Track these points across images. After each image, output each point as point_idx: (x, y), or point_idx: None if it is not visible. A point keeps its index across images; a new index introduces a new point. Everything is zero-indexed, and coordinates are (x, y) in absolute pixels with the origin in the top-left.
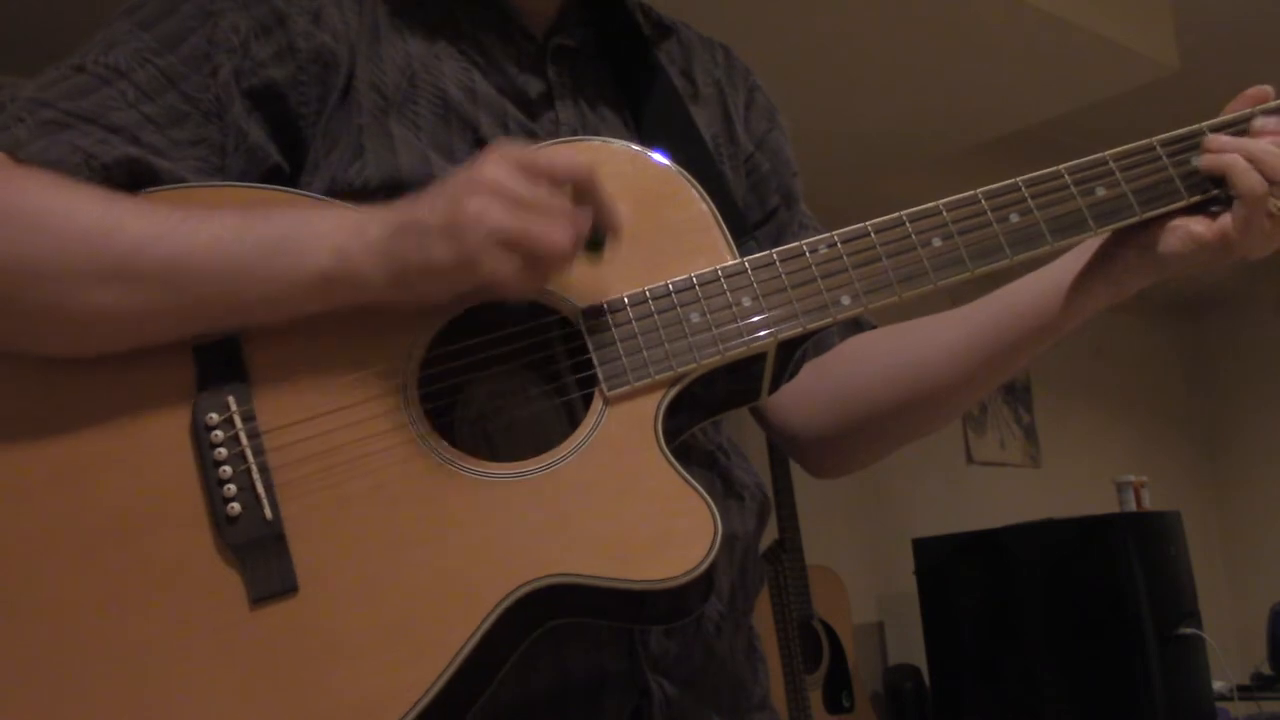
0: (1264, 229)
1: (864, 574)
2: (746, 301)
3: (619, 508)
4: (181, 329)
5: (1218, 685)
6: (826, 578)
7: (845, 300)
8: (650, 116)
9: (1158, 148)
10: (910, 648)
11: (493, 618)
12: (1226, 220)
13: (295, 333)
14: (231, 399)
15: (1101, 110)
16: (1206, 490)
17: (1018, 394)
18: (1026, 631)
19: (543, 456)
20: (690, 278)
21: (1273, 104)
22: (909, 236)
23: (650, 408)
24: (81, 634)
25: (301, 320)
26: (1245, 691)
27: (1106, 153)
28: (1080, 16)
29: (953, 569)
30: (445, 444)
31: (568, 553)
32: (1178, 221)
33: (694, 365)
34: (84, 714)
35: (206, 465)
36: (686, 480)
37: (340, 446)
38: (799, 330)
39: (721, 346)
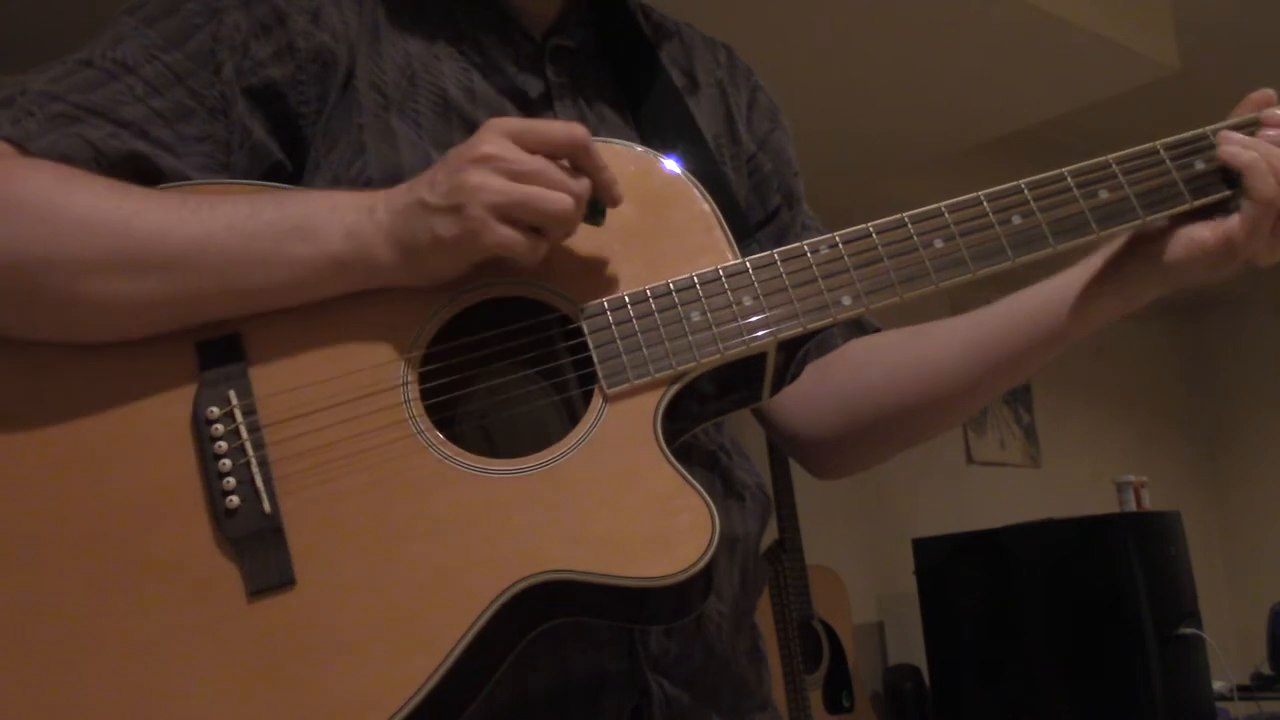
0: (1269, 234)
1: (864, 574)
2: (747, 301)
3: (617, 505)
4: (193, 316)
5: (1218, 685)
6: (826, 578)
7: (846, 300)
8: (651, 116)
9: (1161, 151)
10: (910, 648)
11: (489, 614)
12: (1232, 223)
13: (296, 326)
14: (232, 393)
15: (1101, 110)
16: (1206, 490)
17: (1018, 394)
18: (1026, 631)
19: (542, 453)
20: (691, 277)
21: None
22: (911, 238)
23: (650, 406)
24: (80, 624)
25: (304, 315)
26: (1245, 691)
27: (1109, 156)
28: (1080, 16)
29: (953, 569)
30: (445, 440)
31: (565, 549)
32: (1182, 229)
33: (694, 364)
34: (82, 705)
35: (206, 458)
36: (685, 478)
37: (340, 441)
38: (799, 330)
39: (721, 345)
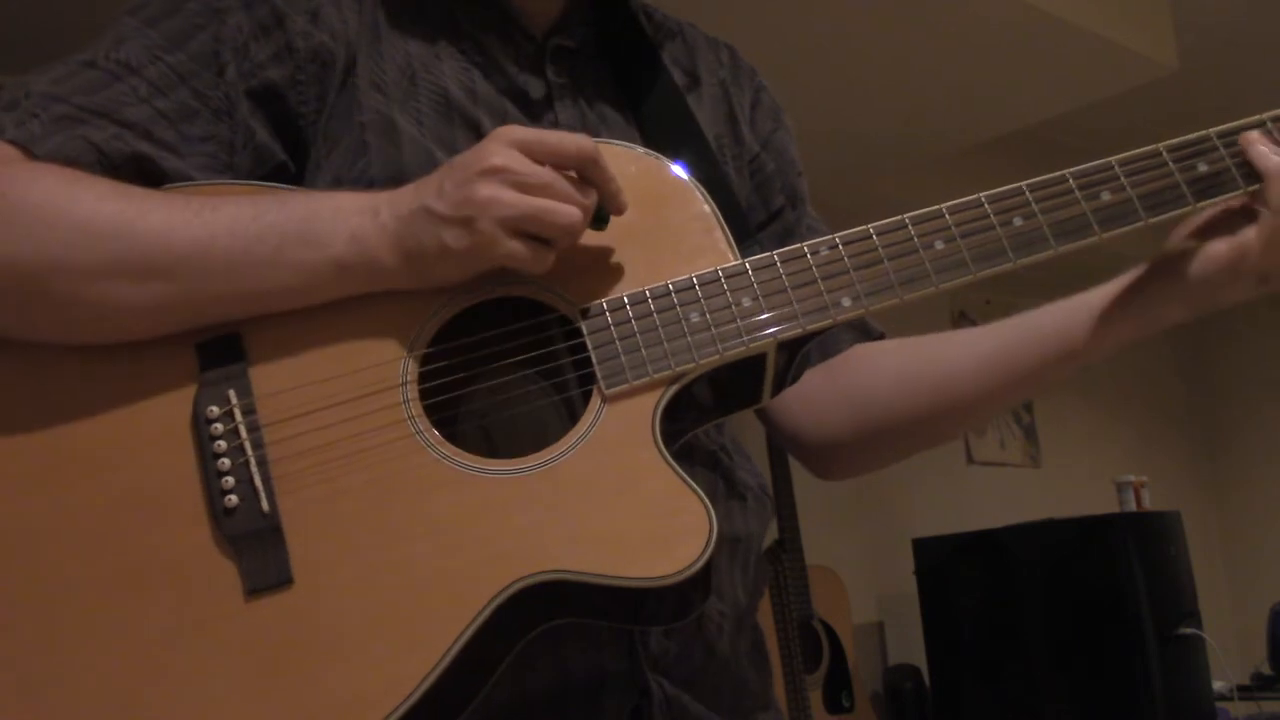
0: None
1: (864, 574)
2: (746, 302)
3: (615, 505)
4: (196, 319)
5: (1218, 685)
6: (826, 578)
7: (846, 302)
8: (652, 116)
9: (1164, 153)
10: (910, 648)
11: (486, 613)
12: (1248, 235)
13: (297, 327)
14: (232, 392)
15: (1101, 110)
16: (1206, 490)
17: None
18: (1026, 631)
19: (540, 454)
20: (690, 278)
21: None
22: (911, 239)
23: (648, 406)
24: (78, 623)
25: (304, 315)
26: (1245, 691)
27: (1112, 158)
28: (1080, 16)
29: (953, 569)
30: (443, 440)
31: (563, 549)
32: (1201, 247)
33: (692, 365)
34: (80, 703)
35: (206, 458)
36: (683, 479)
37: (339, 441)
38: (799, 331)
39: (720, 346)
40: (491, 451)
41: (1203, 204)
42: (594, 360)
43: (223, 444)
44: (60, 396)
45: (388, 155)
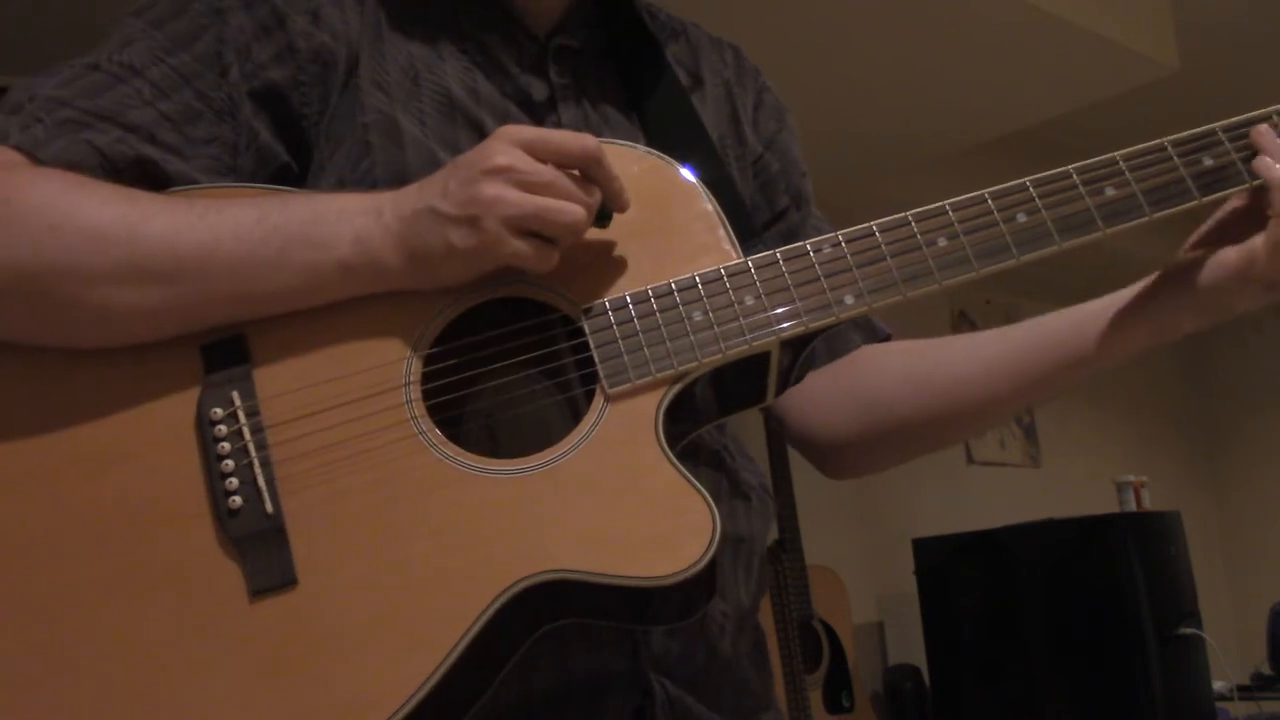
0: None
1: (864, 574)
2: (749, 300)
3: (618, 504)
4: (200, 321)
5: (1218, 685)
6: (826, 578)
7: (849, 299)
8: (656, 116)
9: (1169, 148)
10: (910, 648)
11: (489, 613)
12: (1256, 241)
13: (300, 328)
14: (236, 394)
15: (1101, 110)
16: (1206, 490)
17: None
18: (1026, 631)
19: (543, 453)
20: (693, 276)
21: None
22: (914, 236)
23: (651, 405)
24: (82, 624)
25: (308, 316)
26: (1245, 691)
27: (1116, 153)
28: (1080, 16)
29: (953, 569)
30: (447, 440)
31: (565, 549)
32: (1212, 255)
33: (695, 363)
34: (83, 705)
35: (210, 459)
36: (686, 478)
37: (343, 442)
38: (802, 329)
39: (723, 345)
40: (495, 451)
41: (1208, 198)
42: (597, 359)
43: (227, 445)
44: (64, 399)
45: (391, 156)
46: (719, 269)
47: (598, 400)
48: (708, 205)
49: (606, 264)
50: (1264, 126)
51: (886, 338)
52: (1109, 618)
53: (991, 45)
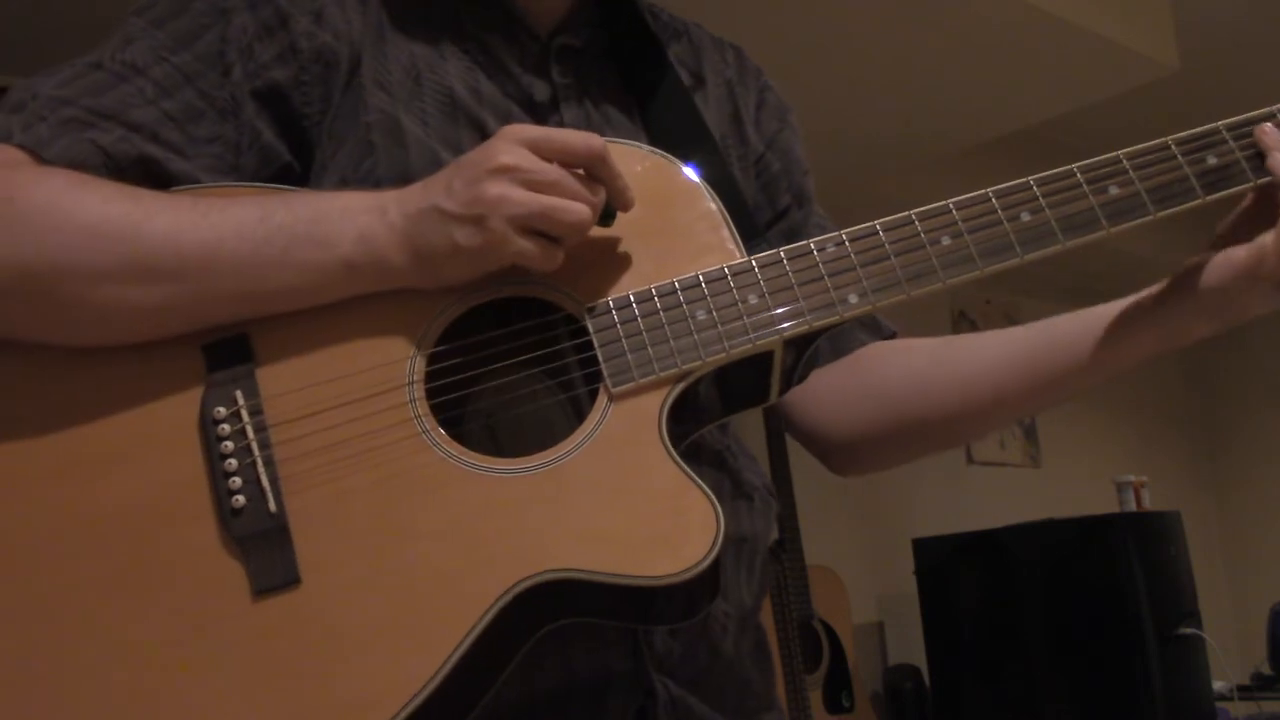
0: None
1: (864, 574)
2: (753, 299)
3: (621, 504)
4: (203, 320)
5: (1218, 685)
6: (826, 578)
7: (853, 298)
8: (658, 116)
9: (1172, 146)
10: (910, 648)
11: (492, 613)
12: (1265, 239)
13: (303, 328)
14: (239, 393)
15: (1101, 110)
16: (1206, 490)
17: None
18: (1026, 631)
19: (546, 452)
20: (696, 276)
21: None
22: (918, 235)
23: (655, 405)
24: (85, 624)
25: (311, 315)
26: (1245, 691)
27: (1119, 152)
28: (1080, 16)
29: (953, 569)
30: (450, 439)
31: (569, 548)
32: (1219, 253)
33: (699, 362)
34: (85, 705)
35: (213, 458)
36: (690, 477)
37: (346, 441)
38: (805, 328)
39: (727, 344)
40: (498, 451)
41: (1211, 197)
42: (600, 359)
43: (230, 445)
44: (66, 398)
45: (393, 155)
46: (723, 268)
47: (601, 399)
48: (711, 204)
49: (610, 263)
50: (1268, 125)
51: (892, 335)
52: (1109, 618)
53: (991, 45)
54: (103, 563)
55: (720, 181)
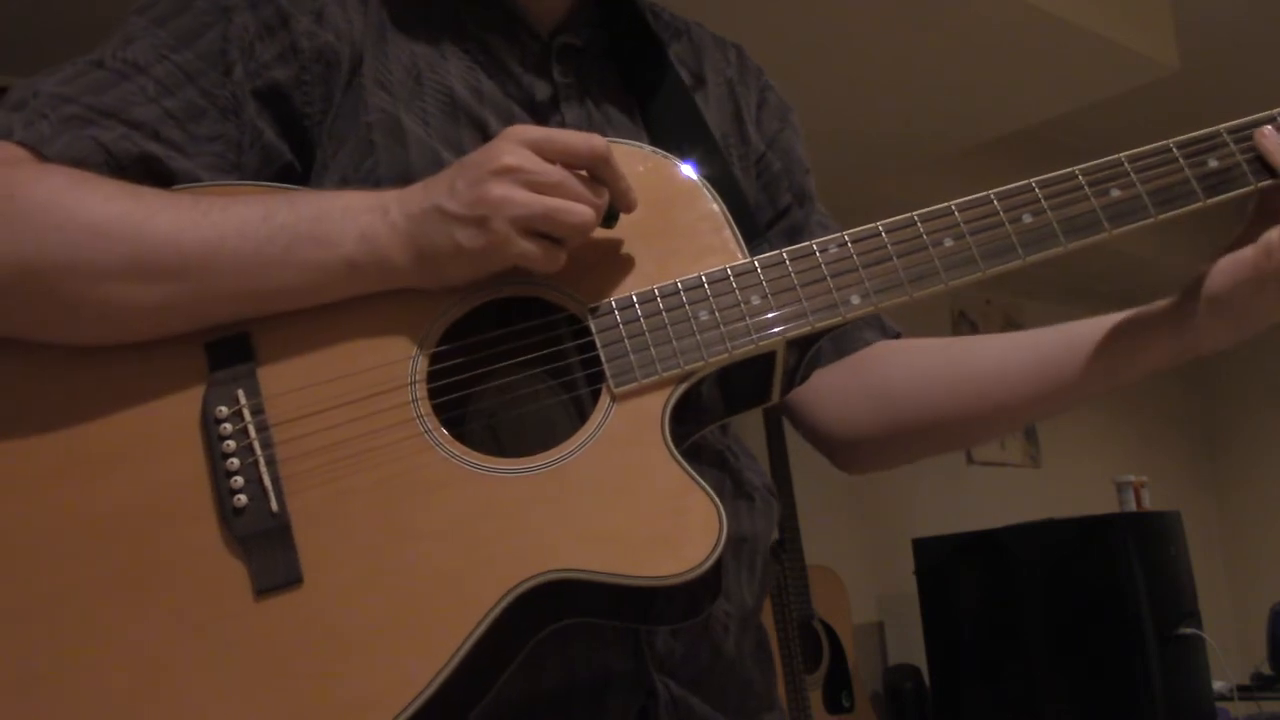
0: None
1: (864, 574)
2: (755, 300)
3: (624, 504)
4: (204, 319)
5: (1218, 685)
6: (826, 578)
7: (855, 299)
8: (659, 116)
9: (1174, 149)
10: (910, 648)
11: (495, 613)
12: (1271, 235)
13: (305, 327)
14: (241, 392)
15: (1101, 110)
16: (1206, 490)
17: None
18: (1026, 631)
19: (548, 452)
20: (699, 276)
21: None
22: (920, 236)
23: (657, 405)
24: (87, 623)
25: (313, 315)
26: (1245, 691)
27: (1121, 154)
28: (1080, 16)
29: (953, 569)
30: (452, 439)
31: (571, 549)
32: (1226, 255)
33: (701, 363)
34: (86, 705)
35: (214, 458)
36: (692, 477)
37: (348, 440)
38: (808, 329)
39: (729, 345)
40: (500, 451)
41: (1212, 200)
42: (603, 359)
43: (231, 444)
44: (68, 397)
45: (394, 155)
46: (725, 269)
47: (603, 400)
48: (713, 205)
49: (613, 263)
50: (1268, 129)
51: (896, 335)
52: (1109, 618)
53: (991, 45)
54: (103, 562)
55: (721, 181)
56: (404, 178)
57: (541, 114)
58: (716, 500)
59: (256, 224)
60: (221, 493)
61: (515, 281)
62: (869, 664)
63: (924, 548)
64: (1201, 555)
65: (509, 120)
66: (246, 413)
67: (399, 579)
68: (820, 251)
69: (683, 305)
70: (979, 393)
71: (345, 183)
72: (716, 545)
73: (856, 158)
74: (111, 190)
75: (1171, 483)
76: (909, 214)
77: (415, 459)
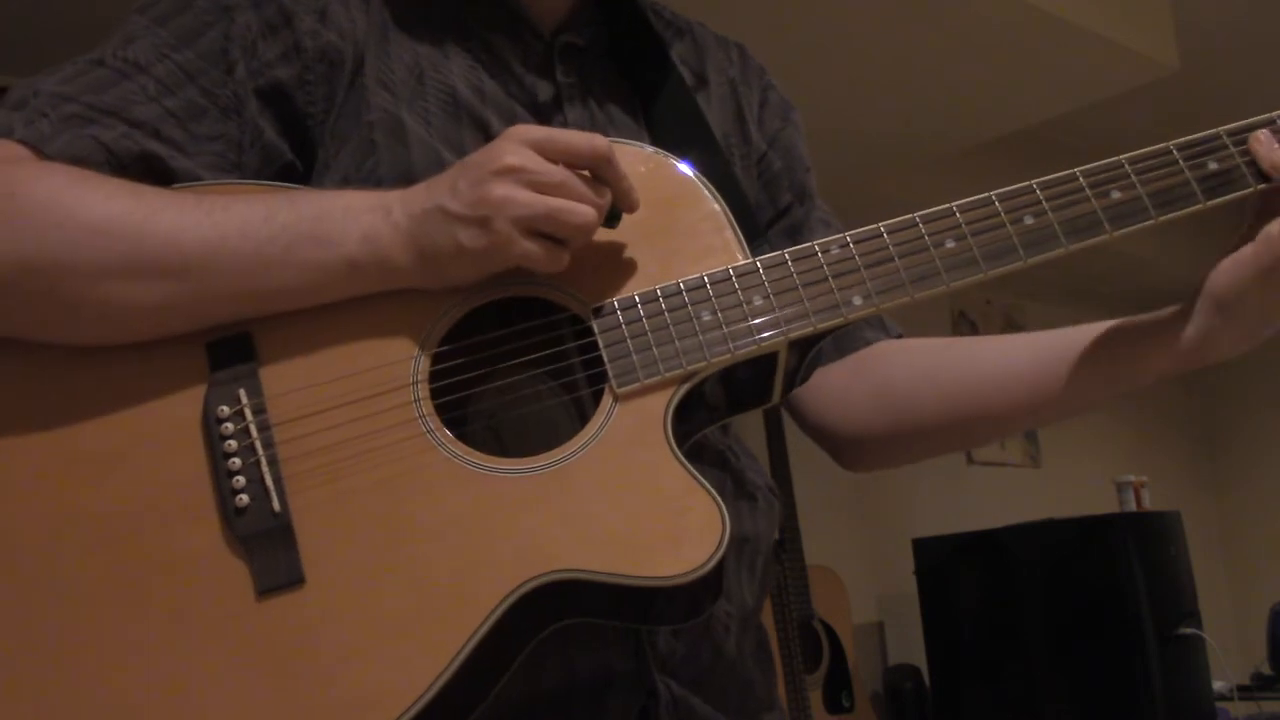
0: None
1: (864, 574)
2: (758, 300)
3: (626, 504)
4: (205, 319)
5: (1218, 685)
6: (826, 578)
7: (857, 300)
8: (661, 115)
9: (1174, 151)
10: (910, 648)
11: (497, 614)
12: (1271, 229)
13: (306, 327)
14: (243, 392)
15: (1101, 110)
16: (1206, 490)
17: None
18: (1026, 631)
19: (551, 453)
20: (702, 276)
21: None
22: (922, 237)
23: (660, 405)
24: (88, 623)
25: (314, 315)
26: (1245, 691)
27: (1121, 156)
28: (1080, 16)
29: (953, 569)
30: (454, 439)
31: (574, 549)
32: (1229, 256)
33: (704, 363)
34: (86, 705)
35: (216, 457)
36: (695, 478)
37: (350, 440)
38: (810, 329)
39: (732, 345)
40: (502, 451)
41: (1212, 202)
42: (605, 359)
43: (233, 444)
44: (67, 397)
45: (396, 155)
46: (727, 269)
47: (606, 400)
48: (715, 205)
49: (615, 264)
50: (1262, 134)
51: (899, 336)
52: (1109, 618)
53: (991, 45)
54: (103, 563)
55: (723, 181)
56: (405, 178)
57: (544, 114)
58: (719, 501)
59: (258, 223)
60: (223, 492)
61: (517, 281)
62: (869, 664)
63: (924, 548)
64: (1201, 555)
65: (511, 120)
66: (248, 412)
67: (402, 579)
68: (822, 252)
69: (685, 305)
70: (978, 396)
71: (347, 182)
72: (719, 546)
73: (856, 158)
74: (112, 189)
75: (1171, 483)
76: (910, 215)
77: (417, 459)
